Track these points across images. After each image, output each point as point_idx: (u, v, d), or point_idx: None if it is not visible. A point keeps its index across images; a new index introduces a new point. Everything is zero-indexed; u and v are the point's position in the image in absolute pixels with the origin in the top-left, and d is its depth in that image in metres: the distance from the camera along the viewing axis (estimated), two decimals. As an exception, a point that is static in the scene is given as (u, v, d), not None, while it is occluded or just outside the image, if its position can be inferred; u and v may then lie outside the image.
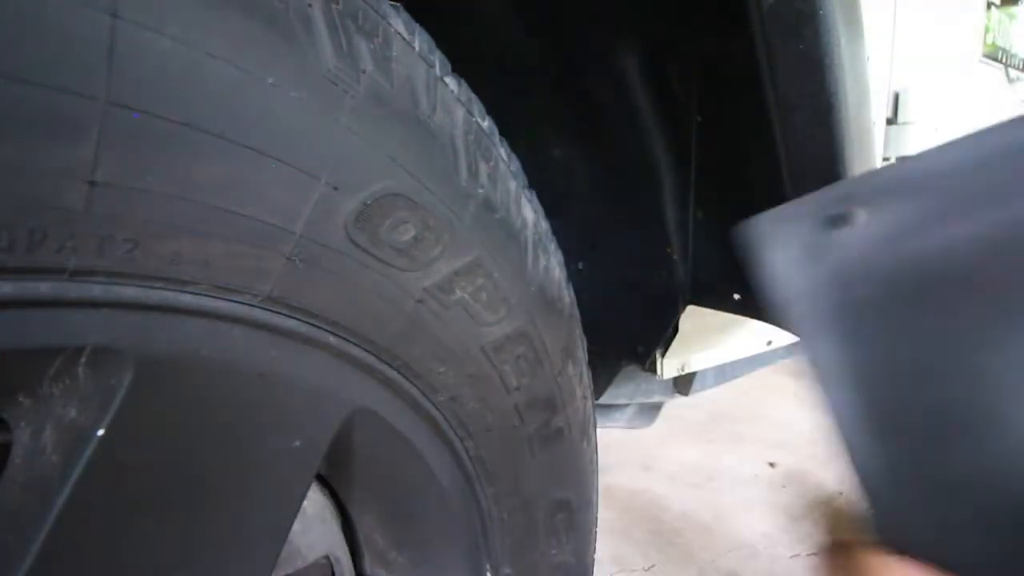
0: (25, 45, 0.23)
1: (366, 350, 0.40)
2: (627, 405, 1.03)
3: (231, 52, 0.28)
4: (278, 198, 0.32)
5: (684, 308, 0.68)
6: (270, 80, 0.29)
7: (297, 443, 0.38)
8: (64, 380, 0.29)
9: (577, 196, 0.72)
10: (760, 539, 1.57)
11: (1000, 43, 1.05)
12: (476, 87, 0.43)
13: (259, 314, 0.34)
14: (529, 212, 0.48)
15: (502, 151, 0.46)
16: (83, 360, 0.28)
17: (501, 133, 0.46)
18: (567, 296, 0.55)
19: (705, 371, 0.86)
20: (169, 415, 0.31)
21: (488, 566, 0.54)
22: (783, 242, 0.30)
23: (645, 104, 0.63)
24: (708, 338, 0.79)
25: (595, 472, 0.65)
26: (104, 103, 0.25)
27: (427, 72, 0.38)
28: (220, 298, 0.32)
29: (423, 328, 0.42)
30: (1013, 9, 1.07)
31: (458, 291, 0.43)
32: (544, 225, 0.52)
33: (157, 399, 0.31)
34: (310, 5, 0.31)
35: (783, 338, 0.93)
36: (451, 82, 0.40)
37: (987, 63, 1.05)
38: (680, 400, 1.00)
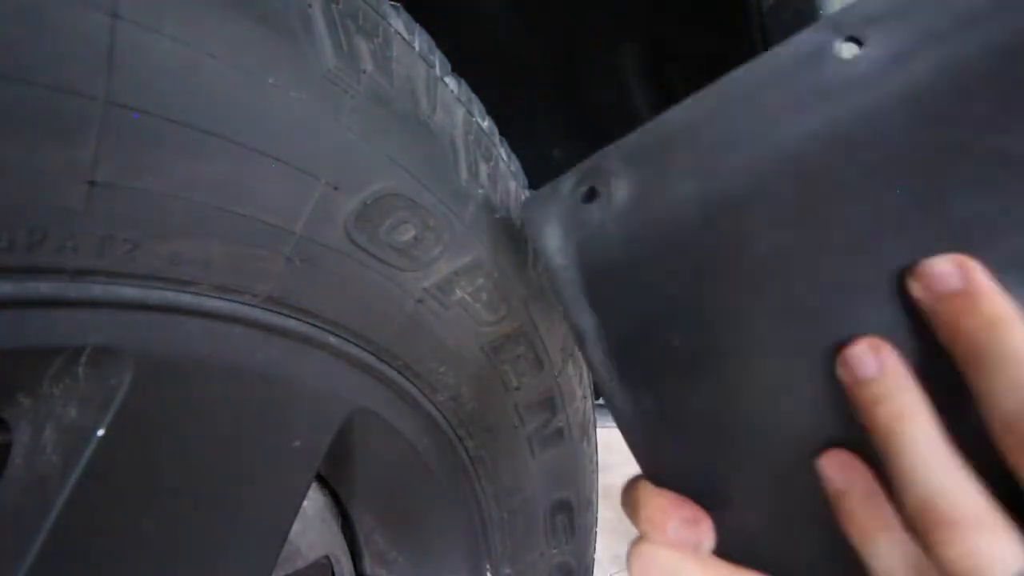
0: (25, 45, 0.23)
1: (366, 350, 0.40)
2: (627, 405, 1.03)
3: (231, 52, 0.28)
4: (278, 198, 0.32)
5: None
6: (270, 80, 0.29)
7: (297, 443, 0.38)
8: (64, 380, 0.29)
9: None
10: (760, 539, 1.56)
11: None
12: (476, 87, 0.43)
13: (259, 314, 0.34)
14: (529, 212, 0.48)
15: (502, 151, 0.46)
16: (83, 360, 0.28)
17: (501, 133, 0.46)
18: (567, 296, 0.55)
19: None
20: (169, 415, 0.31)
21: (488, 566, 0.54)
22: (547, 221, 0.33)
23: (645, 104, 0.63)
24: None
25: (595, 472, 0.65)
26: (104, 103, 0.25)
27: (427, 72, 0.38)
28: (220, 298, 0.32)
29: (423, 328, 0.42)
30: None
31: (458, 291, 0.43)
32: (544, 225, 0.52)
33: (157, 399, 0.31)
34: (310, 5, 0.31)
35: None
36: (451, 82, 0.40)
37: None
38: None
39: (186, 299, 0.31)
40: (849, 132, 0.28)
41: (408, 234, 0.38)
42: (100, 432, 0.28)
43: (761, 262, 0.29)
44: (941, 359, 0.26)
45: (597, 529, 0.68)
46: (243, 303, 0.33)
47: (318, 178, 0.33)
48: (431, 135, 0.38)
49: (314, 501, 0.48)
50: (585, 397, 0.60)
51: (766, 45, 0.46)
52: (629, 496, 0.33)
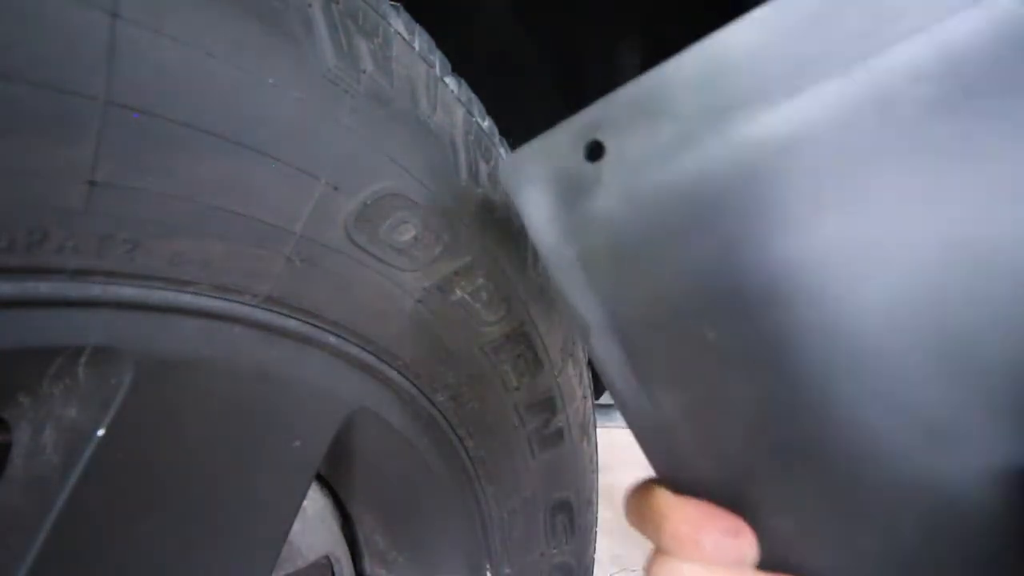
0: (25, 45, 0.23)
1: (366, 350, 0.40)
2: (627, 405, 1.03)
3: (231, 52, 0.28)
4: (278, 198, 0.32)
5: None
6: (271, 80, 0.29)
7: (297, 443, 0.38)
8: (64, 380, 0.29)
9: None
10: (760, 539, 1.57)
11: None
12: (476, 87, 0.43)
13: (259, 314, 0.34)
14: (529, 212, 0.48)
15: (502, 151, 0.46)
16: (83, 360, 0.28)
17: (501, 133, 0.46)
18: (567, 296, 0.55)
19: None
20: (169, 415, 0.31)
21: (488, 566, 0.54)
22: (538, 186, 0.27)
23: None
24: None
25: (595, 472, 0.65)
26: (104, 103, 0.25)
27: (427, 72, 0.38)
28: (220, 298, 0.32)
29: (423, 328, 0.42)
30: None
31: (458, 291, 0.43)
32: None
33: (157, 399, 0.31)
34: (310, 5, 0.31)
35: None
36: (451, 82, 0.40)
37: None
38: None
39: (186, 299, 0.31)
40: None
41: (408, 234, 0.38)
42: (100, 432, 0.28)
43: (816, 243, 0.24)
44: None
45: (597, 529, 0.68)
46: (243, 303, 0.33)
47: (318, 178, 0.33)
48: (431, 135, 0.38)
49: (314, 501, 0.48)
50: (585, 397, 0.60)
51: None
52: (643, 505, 0.28)
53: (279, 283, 0.34)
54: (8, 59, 0.22)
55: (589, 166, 0.26)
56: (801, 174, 0.24)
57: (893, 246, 0.24)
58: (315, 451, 0.39)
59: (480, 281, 0.44)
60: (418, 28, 0.38)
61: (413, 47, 0.37)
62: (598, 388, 0.78)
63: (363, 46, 0.34)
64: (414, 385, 0.44)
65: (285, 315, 0.35)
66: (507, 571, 0.56)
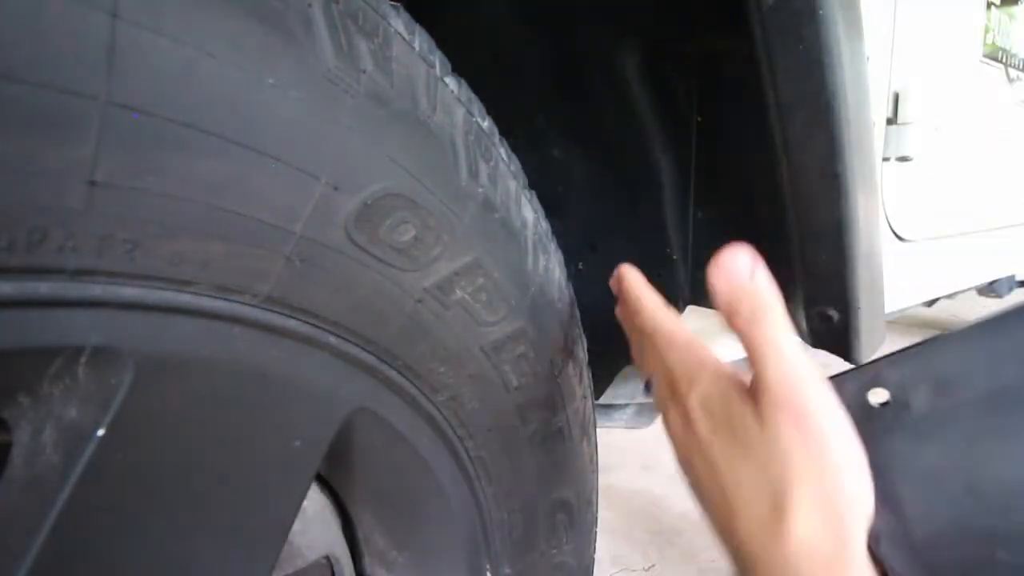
0: (25, 45, 0.23)
1: (366, 350, 0.40)
2: (627, 405, 1.03)
3: (231, 52, 0.28)
4: (278, 198, 0.32)
5: (684, 308, 0.68)
6: (270, 80, 0.29)
7: (297, 443, 0.38)
8: (64, 380, 0.29)
9: (577, 196, 0.72)
10: (760, 539, 1.56)
11: (1000, 43, 1.05)
12: (476, 87, 0.43)
13: (259, 314, 0.34)
14: (529, 212, 0.48)
15: (502, 151, 0.46)
16: (83, 360, 0.28)
17: (501, 133, 0.46)
18: (567, 296, 0.55)
19: (705, 371, 0.86)
20: (169, 415, 0.31)
21: (488, 566, 0.54)
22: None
23: (645, 104, 0.63)
24: (708, 338, 0.79)
25: (595, 472, 0.65)
26: (104, 103, 0.25)
27: (427, 72, 0.38)
28: (220, 298, 0.32)
29: (423, 328, 0.42)
30: (1013, 9, 1.07)
31: (458, 291, 0.43)
32: (544, 225, 0.52)
33: (157, 399, 0.31)
34: (310, 5, 0.31)
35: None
36: (451, 82, 0.40)
37: (987, 63, 1.05)
38: (680, 400, 0.99)
39: (186, 299, 0.31)
40: None
41: (408, 234, 0.38)
42: (100, 432, 0.28)
43: None
44: None
45: (597, 529, 0.68)
46: (243, 303, 0.33)
47: (318, 178, 0.33)
48: (431, 135, 0.38)
49: (314, 501, 0.48)
50: (585, 397, 0.60)
51: (766, 45, 0.46)
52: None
53: (279, 283, 0.34)
54: (8, 59, 0.22)
55: (875, 410, 0.37)
56: None
57: None
58: (315, 451, 0.39)
59: (480, 281, 0.44)
60: (418, 28, 0.38)
61: (413, 47, 0.37)
62: (598, 388, 0.78)
63: (363, 46, 0.34)
64: (414, 385, 0.44)
65: (285, 315, 0.35)
66: (507, 571, 0.56)
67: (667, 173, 0.64)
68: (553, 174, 0.71)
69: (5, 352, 0.26)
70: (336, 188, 0.33)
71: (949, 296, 1.32)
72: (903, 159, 0.85)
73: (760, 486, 0.34)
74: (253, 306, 0.33)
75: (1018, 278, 1.57)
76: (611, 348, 0.75)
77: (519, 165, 0.48)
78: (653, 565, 1.51)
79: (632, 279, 0.49)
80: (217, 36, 0.27)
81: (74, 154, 0.25)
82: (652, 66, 0.61)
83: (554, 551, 0.60)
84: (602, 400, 0.88)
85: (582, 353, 0.59)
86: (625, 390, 0.91)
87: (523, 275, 0.47)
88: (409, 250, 0.39)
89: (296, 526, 0.41)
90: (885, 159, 0.83)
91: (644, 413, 1.07)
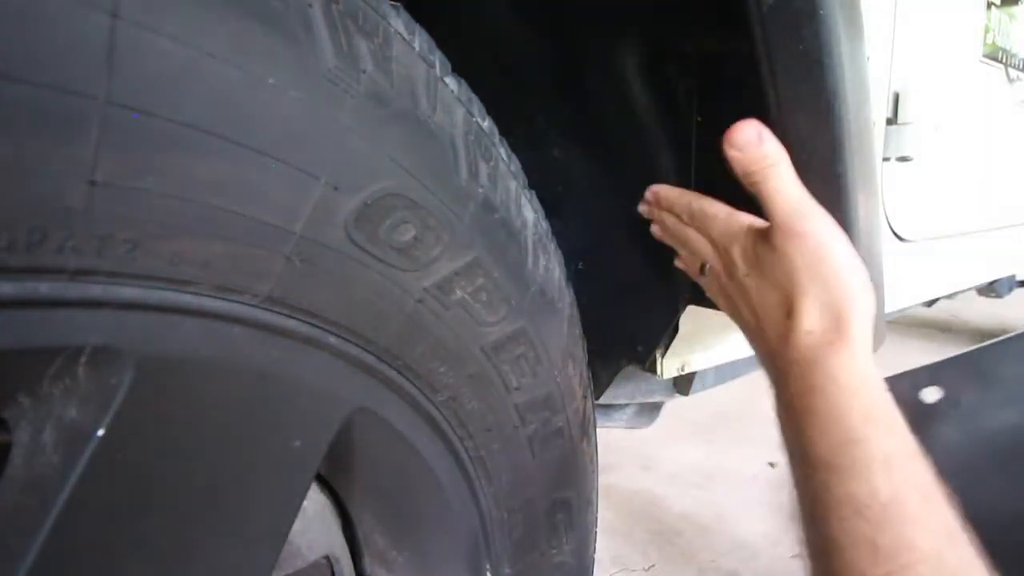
0: (25, 45, 0.23)
1: (366, 350, 0.40)
2: (627, 405, 1.03)
3: (231, 52, 0.28)
4: (278, 198, 0.32)
5: (684, 308, 0.68)
6: (270, 80, 0.29)
7: (297, 443, 0.38)
8: (64, 380, 0.29)
9: (577, 196, 0.72)
10: (760, 539, 1.56)
11: (1000, 43, 1.05)
12: (476, 87, 0.43)
13: (259, 314, 0.34)
14: (529, 212, 0.48)
15: (502, 151, 0.46)
16: (83, 360, 0.28)
17: (501, 133, 0.46)
18: (567, 296, 0.55)
19: (705, 371, 0.86)
20: (169, 415, 0.31)
21: (488, 566, 0.54)
22: None
23: (645, 104, 0.63)
24: (708, 338, 0.79)
25: (595, 472, 0.65)
26: (104, 103, 0.25)
27: (427, 72, 0.38)
28: (220, 298, 0.32)
29: (423, 328, 0.42)
30: (1013, 9, 1.07)
31: (458, 291, 0.43)
32: (544, 225, 0.52)
33: (157, 399, 0.31)
34: (310, 5, 0.31)
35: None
36: (451, 82, 0.40)
37: (987, 63, 1.05)
38: (680, 400, 0.99)
39: (186, 299, 0.31)
40: None
41: (408, 234, 0.38)
42: (100, 432, 0.28)
43: None
44: None
45: (597, 529, 0.68)
46: (243, 303, 0.33)
47: (318, 178, 0.33)
48: (431, 135, 0.38)
49: (314, 501, 0.48)
50: (585, 397, 0.60)
51: (766, 45, 0.46)
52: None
53: (279, 283, 0.34)
54: (8, 59, 0.22)
55: (928, 406, 0.40)
56: None
57: None
58: (315, 451, 0.39)
59: (480, 281, 0.44)
60: (418, 28, 0.38)
61: (413, 47, 0.37)
62: (598, 388, 0.78)
63: (363, 46, 0.34)
64: (414, 385, 0.44)
65: (285, 315, 0.35)
66: (507, 571, 0.56)
67: (667, 173, 0.64)
68: (553, 174, 0.71)
69: (5, 352, 0.26)
70: (336, 188, 0.33)
71: (949, 296, 1.32)
72: (903, 159, 0.85)
73: (777, 298, 0.45)
74: (253, 306, 0.33)
75: (1018, 278, 1.57)
76: (611, 348, 0.75)
77: (519, 165, 0.48)
78: (653, 565, 1.51)
79: (666, 189, 0.56)
80: (217, 36, 0.27)
81: (74, 154, 0.25)
82: (652, 66, 0.61)
83: (554, 551, 0.60)
84: (602, 400, 0.88)
85: (582, 353, 0.59)
86: (625, 390, 0.91)
87: (523, 275, 0.47)
88: (409, 250, 0.39)
89: (296, 526, 0.41)
90: (885, 159, 0.84)
91: (644, 413, 1.07)
